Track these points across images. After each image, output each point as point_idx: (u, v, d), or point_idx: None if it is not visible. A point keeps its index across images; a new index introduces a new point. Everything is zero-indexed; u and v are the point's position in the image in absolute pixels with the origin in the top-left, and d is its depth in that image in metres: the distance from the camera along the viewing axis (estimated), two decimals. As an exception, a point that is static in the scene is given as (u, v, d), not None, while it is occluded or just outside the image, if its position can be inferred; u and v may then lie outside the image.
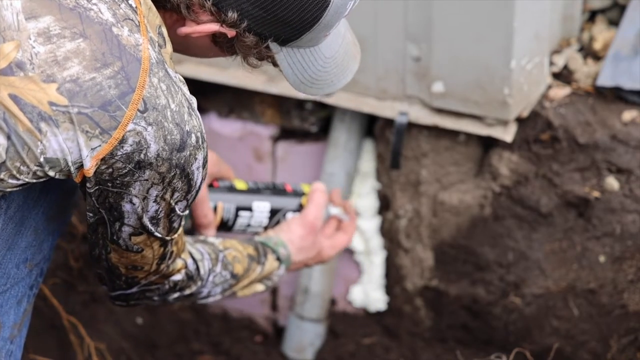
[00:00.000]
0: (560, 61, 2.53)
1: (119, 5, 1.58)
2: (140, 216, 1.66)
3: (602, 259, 2.42)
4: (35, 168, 1.56)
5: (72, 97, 1.52)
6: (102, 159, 1.56)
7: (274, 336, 2.90)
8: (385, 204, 2.67)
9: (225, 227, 2.20)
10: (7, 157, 1.54)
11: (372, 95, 2.53)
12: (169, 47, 1.66)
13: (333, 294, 2.80)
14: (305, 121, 2.69)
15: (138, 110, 1.54)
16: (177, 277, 1.88)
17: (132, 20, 1.58)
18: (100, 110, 1.53)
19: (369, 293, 2.74)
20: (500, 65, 2.35)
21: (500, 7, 2.29)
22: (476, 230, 2.55)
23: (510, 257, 2.52)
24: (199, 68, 2.65)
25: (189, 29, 1.65)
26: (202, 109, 2.66)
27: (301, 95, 2.42)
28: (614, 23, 2.58)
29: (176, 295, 1.92)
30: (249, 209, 2.20)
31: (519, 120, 2.46)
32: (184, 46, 1.72)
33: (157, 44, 1.61)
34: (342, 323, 2.79)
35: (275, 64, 1.72)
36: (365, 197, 2.68)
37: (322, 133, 2.71)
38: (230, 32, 1.64)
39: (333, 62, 1.74)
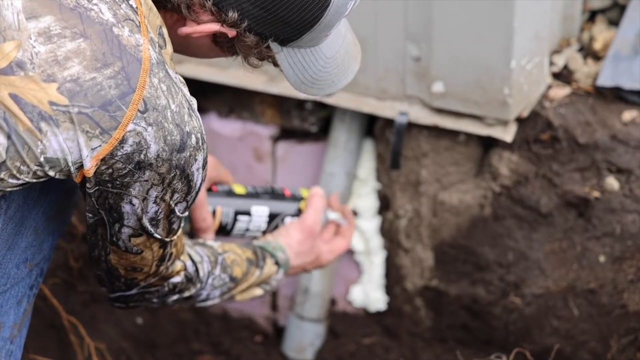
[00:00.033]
0: (560, 61, 2.53)
1: (120, 6, 1.57)
2: (139, 217, 1.66)
3: (602, 259, 2.42)
4: (36, 168, 1.56)
5: (73, 96, 1.52)
6: (102, 159, 1.56)
7: (274, 336, 2.90)
8: (385, 204, 2.67)
9: (223, 231, 2.20)
10: (7, 156, 1.54)
11: (372, 95, 2.53)
12: (169, 47, 1.65)
13: (333, 294, 2.80)
14: (305, 121, 2.69)
15: (138, 110, 1.54)
16: (177, 279, 1.88)
17: (132, 20, 1.58)
18: (100, 110, 1.53)
19: (369, 293, 2.74)
20: (500, 65, 2.35)
21: (500, 7, 2.29)
22: (476, 230, 2.55)
23: (510, 257, 2.52)
24: (199, 68, 2.65)
25: (189, 29, 1.64)
26: (202, 109, 2.66)
27: (301, 95, 2.42)
28: (614, 23, 2.58)
29: (175, 297, 1.92)
30: (248, 213, 2.20)
31: (519, 120, 2.46)
32: (184, 47, 1.72)
33: (157, 45, 1.61)
34: (342, 323, 2.79)
35: (276, 64, 1.71)
36: (365, 197, 2.68)
37: (322, 133, 2.71)
38: (231, 32, 1.64)
39: (334, 62, 1.74)
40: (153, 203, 1.64)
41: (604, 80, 2.43)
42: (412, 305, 2.69)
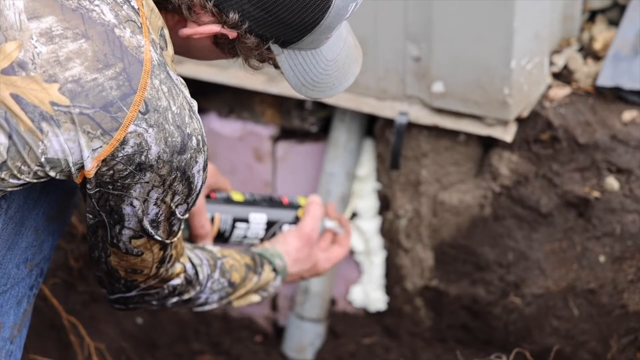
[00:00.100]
0: (560, 61, 2.53)
1: (122, 7, 1.57)
2: (140, 219, 1.66)
3: (602, 259, 2.42)
4: (36, 168, 1.56)
5: (74, 97, 1.52)
6: (103, 160, 1.56)
7: (274, 336, 2.90)
8: (385, 204, 2.67)
9: (222, 238, 2.20)
10: (8, 156, 1.54)
11: (372, 95, 2.53)
12: (170, 49, 1.65)
13: (333, 294, 2.80)
14: (305, 121, 2.69)
15: (139, 111, 1.54)
16: (176, 281, 1.88)
17: (134, 21, 1.57)
18: (101, 111, 1.53)
19: (369, 293, 2.74)
20: (500, 65, 2.35)
21: (500, 7, 2.29)
22: (476, 230, 2.55)
23: (510, 257, 2.52)
24: (199, 68, 2.65)
25: (190, 30, 1.65)
26: (202, 109, 2.66)
27: (301, 96, 2.42)
28: (614, 23, 2.58)
29: (175, 300, 1.91)
30: (246, 220, 2.20)
31: (519, 120, 2.46)
32: (185, 48, 1.72)
33: (158, 46, 1.61)
34: (342, 323, 2.79)
35: (276, 66, 1.71)
36: (365, 198, 2.68)
37: (322, 133, 2.71)
38: (232, 34, 1.64)
39: (335, 65, 1.74)
40: (154, 205, 1.64)
41: (604, 80, 2.43)
42: (412, 305, 2.69)
